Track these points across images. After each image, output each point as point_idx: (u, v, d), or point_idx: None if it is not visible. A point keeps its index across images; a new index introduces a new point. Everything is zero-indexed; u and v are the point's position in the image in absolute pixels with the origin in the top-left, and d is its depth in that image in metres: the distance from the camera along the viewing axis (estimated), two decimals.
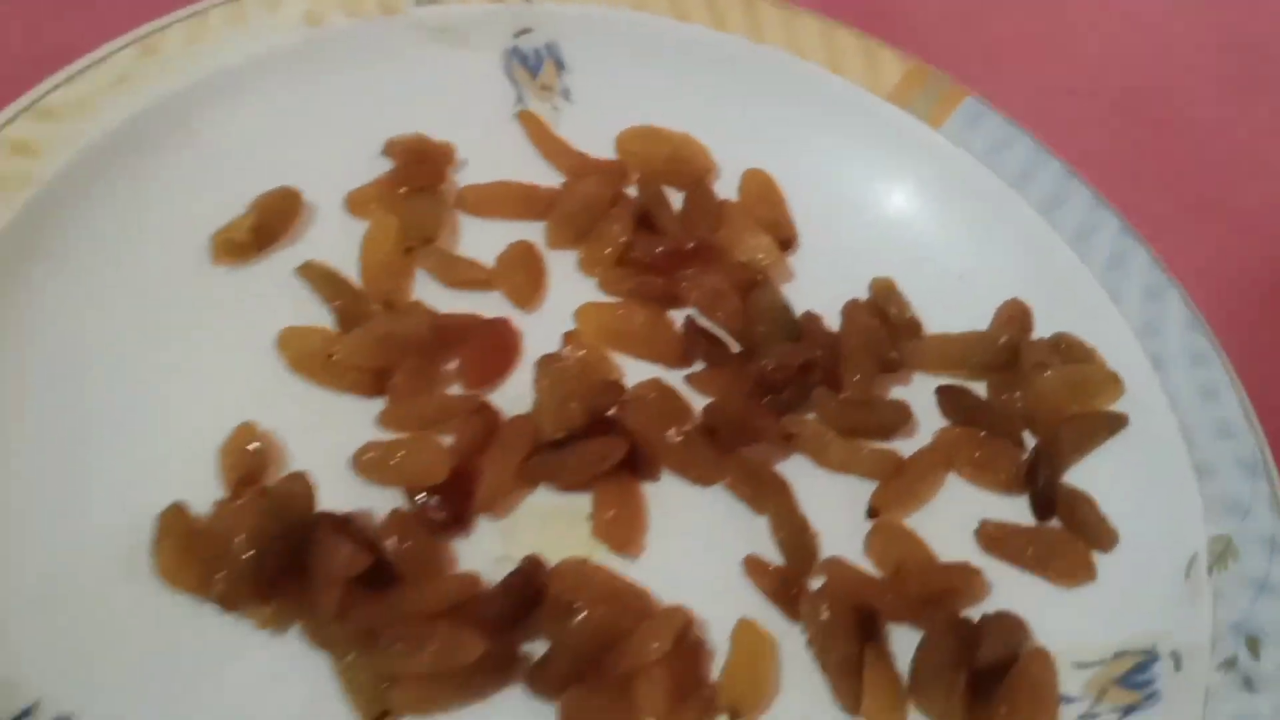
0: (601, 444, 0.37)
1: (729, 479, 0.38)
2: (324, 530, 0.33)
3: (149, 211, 0.39)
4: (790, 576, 0.36)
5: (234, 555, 0.33)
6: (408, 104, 0.43)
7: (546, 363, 0.39)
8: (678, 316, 0.42)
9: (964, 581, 0.37)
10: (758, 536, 0.38)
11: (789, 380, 0.39)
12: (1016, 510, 0.39)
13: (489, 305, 0.41)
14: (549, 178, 0.44)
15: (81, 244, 0.38)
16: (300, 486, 0.34)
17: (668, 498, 0.38)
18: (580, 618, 0.34)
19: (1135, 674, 0.35)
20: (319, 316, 0.39)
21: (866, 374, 0.40)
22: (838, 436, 0.39)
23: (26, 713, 0.31)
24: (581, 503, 0.37)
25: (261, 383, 0.38)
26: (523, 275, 0.41)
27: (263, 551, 0.33)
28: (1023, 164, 0.43)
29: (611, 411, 0.38)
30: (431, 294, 0.41)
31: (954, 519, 0.38)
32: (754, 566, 0.37)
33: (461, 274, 0.41)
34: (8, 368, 0.36)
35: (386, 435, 0.37)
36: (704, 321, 0.41)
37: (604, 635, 0.34)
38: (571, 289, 0.42)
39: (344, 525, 0.34)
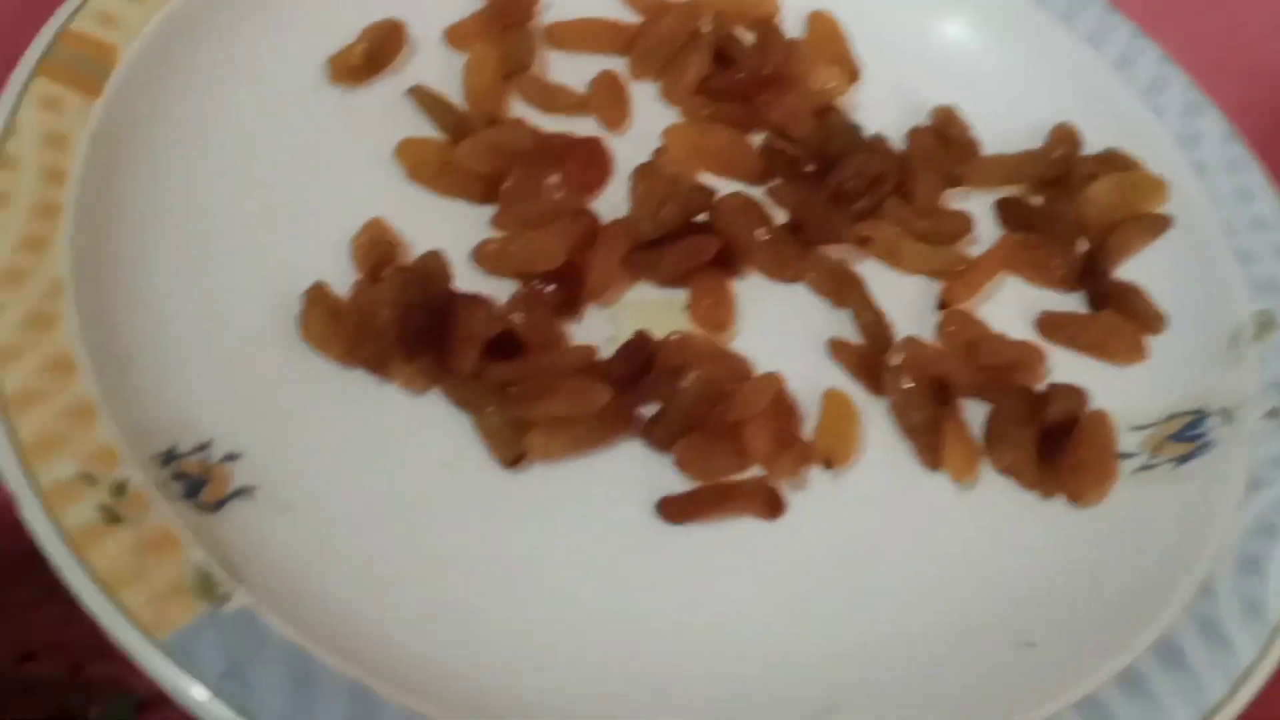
0: (695, 241, 0.40)
1: (811, 275, 0.42)
2: (461, 299, 0.37)
3: (274, 35, 0.42)
4: (871, 354, 0.40)
5: (378, 323, 0.36)
6: None
7: (642, 170, 0.42)
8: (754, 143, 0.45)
9: (1029, 355, 0.40)
10: (839, 328, 0.41)
11: (864, 190, 0.43)
12: (1072, 306, 0.43)
13: (582, 128, 0.44)
14: (628, 20, 0.47)
15: (218, 61, 0.41)
16: (437, 264, 0.38)
17: (756, 295, 0.41)
18: (690, 377, 0.37)
19: (1188, 430, 0.39)
20: (427, 134, 0.43)
21: (933, 186, 0.43)
22: (909, 240, 0.43)
23: (204, 446, 0.34)
24: (678, 295, 0.41)
25: (382, 188, 0.41)
26: (612, 99, 0.45)
27: (405, 317, 0.36)
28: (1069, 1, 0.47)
29: (702, 218, 0.42)
30: (528, 118, 0.44)
31: (1015, 312, 0.42)
32: (838, 347, 0.40)
33: (556, 98, 0.44)
34: (164, 166, 0.39)
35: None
36: (780, 144, 0.45)
37: (711, 392, 0.37)
38: (655, 116, 0.45)
39: (478, 297, 0.37)
